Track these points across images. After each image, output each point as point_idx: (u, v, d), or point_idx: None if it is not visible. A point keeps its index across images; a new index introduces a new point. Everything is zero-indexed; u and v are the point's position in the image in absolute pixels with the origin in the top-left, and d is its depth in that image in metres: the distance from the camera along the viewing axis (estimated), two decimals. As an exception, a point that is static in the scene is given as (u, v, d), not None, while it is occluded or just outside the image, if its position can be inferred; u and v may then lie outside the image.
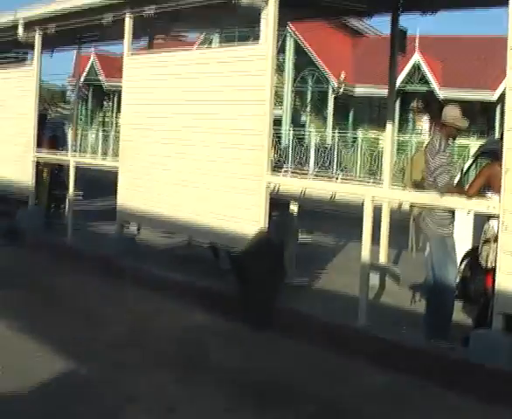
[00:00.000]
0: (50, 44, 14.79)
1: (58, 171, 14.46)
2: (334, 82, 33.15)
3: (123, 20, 11.39)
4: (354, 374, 6.86)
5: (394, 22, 10.61)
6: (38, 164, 13.68)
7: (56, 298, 9.26)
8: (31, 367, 6.37)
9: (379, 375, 6.79)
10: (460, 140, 24.45)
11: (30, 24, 13.77)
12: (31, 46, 14.12)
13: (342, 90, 33.30)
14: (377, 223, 9.40)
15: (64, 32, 13.38)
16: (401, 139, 30.66)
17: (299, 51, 34.22)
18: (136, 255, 10.94)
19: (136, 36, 12.16)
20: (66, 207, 13.36)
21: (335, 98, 33.78)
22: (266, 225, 8.79)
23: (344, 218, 16.81)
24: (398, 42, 10.67)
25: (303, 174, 28.96)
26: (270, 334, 7.87)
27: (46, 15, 13.14)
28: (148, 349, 7.30)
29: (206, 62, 10.15)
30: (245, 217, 9.05)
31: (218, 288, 9.20)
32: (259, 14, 9.08)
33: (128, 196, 11.22)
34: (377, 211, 8.96)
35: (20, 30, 13.87)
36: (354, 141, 31.82)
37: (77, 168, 12.61)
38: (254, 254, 8.46)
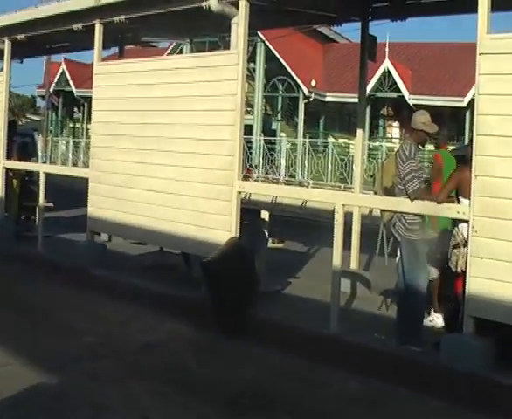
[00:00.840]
0: (20, 53, 14.68)
1: (29, 181, 14.34)
2: (304, 89, 33.24)
3: (94, 28, 11.36)
4: (326, 381, 6.86)
5: (364, 29, 10.67)
6: (7, 173, 13.57)
7: (27, 310, 9.14)
8: (1, 379, 6.30)
9: (351, 381, 6.80)
10: (430, 146, 24.62)
11: (-1, 33, 13.68)
12: (1, 54, 14.01)
13: (312, 97, 33.41)
14: (349, 229, 9.44)
15: (34, 41, 13.30)
16: (372, 145, 30.85)
17: (269, 58, 34.30)
18: (107, 264, 10.88)
19: (107, 44, 12.13)
20: (37, 217, 13.23)
21: (305, 105, 33.87)
22: (238, 232, 8.79)
23: (316, 224, 16.87)
24: (368, 49, 10.72)
25: (274, 181, 29.07)
26: (243, 342, 7.85)
27: (15, 24, 13.04)
28: (121, 360, 7.24)
29: (177, 70, 10.14)
30: (216, 225, 9.04)
31: (191, 297, 9.17)
32: (230, 21, 9.10)
33: (98, 205, 11.16)
34: (349, 216, 9.01)
35: (-12, 39, 13.77)
36: (325, 148, 31.92)
37: (48, 178, 12.51)
38: (225, 261, 8.44)
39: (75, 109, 45.67)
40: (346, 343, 7.45)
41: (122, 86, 10.98)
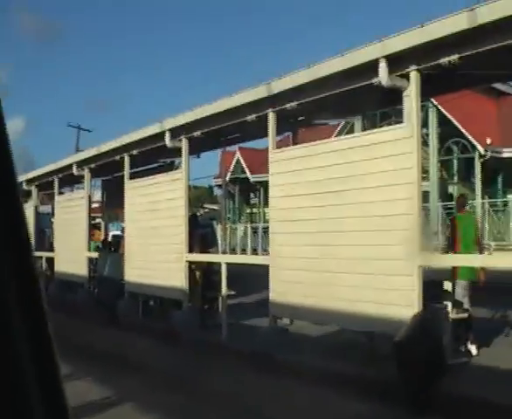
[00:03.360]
0: (196, 148, 15.36)
1: (210, 271, 14.78)
2: (480, 148, 32.46)
3: (266, 116, 11.74)
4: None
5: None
6: (190, 266, 14.12)
7: (213, 397, 9.31)
8: None
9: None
10: None
11: (176, 131, 14.43)
12: (178, 152, 14.74)
13: (488, 155, 32.54)
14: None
15: (209, 135, 13.91)
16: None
17: (441, 121, 33.80)
18: (290, 347, 10.95)
19: (280, 129, 12.41)
20: (219, 306, 13.60)
21: (482, 164, 33.00)
22: (421, 307, 8.62)
23: (501, 289, 16.25)
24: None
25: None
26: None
27: (191, 121, 13.72)
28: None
29: (349, 150, 10.18)
30: (398, 301, 8.93)
31: (376, 375, 9.05)
32: (401, 93, 9.12)
33: (279, 290, 11.32)
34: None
35: (167, 138, 14.56)
36: (505, 206, 30.84)
37: (228, 266, 12.88)
38: (414, 339, 8.27)
39: (251, 195, 46.76)
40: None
41: (296, 171, 11.19)
